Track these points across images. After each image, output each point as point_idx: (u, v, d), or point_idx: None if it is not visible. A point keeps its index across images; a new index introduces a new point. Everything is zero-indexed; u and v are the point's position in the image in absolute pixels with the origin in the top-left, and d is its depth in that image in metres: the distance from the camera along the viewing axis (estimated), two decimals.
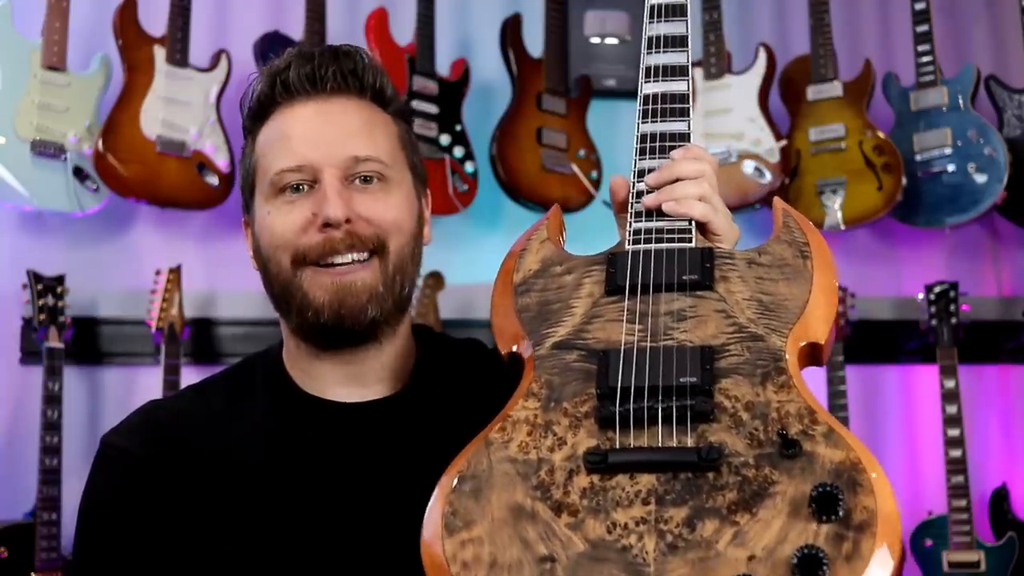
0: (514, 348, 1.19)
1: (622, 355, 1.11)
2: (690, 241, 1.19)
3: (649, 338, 1.12)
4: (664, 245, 1.19)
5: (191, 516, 1.24)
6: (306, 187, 1.26)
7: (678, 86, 1.31)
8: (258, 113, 1.31)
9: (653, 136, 1.27)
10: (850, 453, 1.00)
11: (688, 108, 1.29)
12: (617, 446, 1.05)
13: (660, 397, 1.07)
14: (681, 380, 1.07)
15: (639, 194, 1.24)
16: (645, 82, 1.32)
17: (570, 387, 1.11)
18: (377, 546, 1.24)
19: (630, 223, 1.22)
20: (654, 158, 1.26)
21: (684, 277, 1.16)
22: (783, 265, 1.17)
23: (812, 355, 1.14)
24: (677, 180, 1.22)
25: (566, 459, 1.06)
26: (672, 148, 1.25)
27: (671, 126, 1.28)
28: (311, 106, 1.28)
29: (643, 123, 1.29)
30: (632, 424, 1.06)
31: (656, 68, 1.33)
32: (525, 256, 1.25)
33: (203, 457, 1.26)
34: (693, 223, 1.21)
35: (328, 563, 1.23)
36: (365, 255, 1.26)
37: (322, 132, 1.27)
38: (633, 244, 1.20)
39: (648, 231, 1.21)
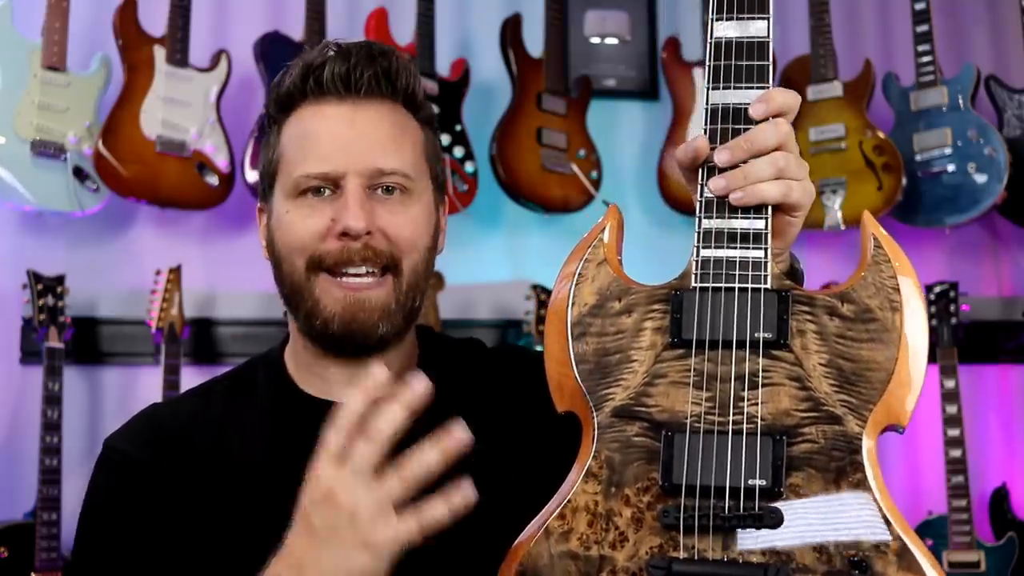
0: (572, 408, 1.12)
1: (687, 441, 1.05)
2: (764, 279, 1.08)
3: (717, 410, 1.05)
4: (736, 285, 1.08)
5: (191, 519, 1.24)
6: (328, 191, 1.25)
7: None
8: (286, 103, 1.29)
9: (728, 47, 1.11)
10: None
11: None
12: (681, 551, 1.02)
13: (727, 499, 1.02)
14: (750, 482, 1.02)
15: (710, 170, 1.10)
16: None
17: (631, 469, 1.07)
18: None
19: (697, 232, 1.11)
20: (728, 87, 1.11)
21: (757, 335, 1.06)
22: (868, 320, 1.06)
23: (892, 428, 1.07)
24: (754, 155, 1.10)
25: (628, 559, 1.03)
26: (748, 69, 1.10)
27: (749, 28, 1.11)
28: (342, 109, 1.26)
29: (717, 19, 1.12)
30: (697, 530, 1.02)
31: None
32: (581, 285, 1.13)
33: (203, 460, 1.26)
34: (769, 227, 1.09)
35: None
36: (378, 271, 1.25)
37: (350, 138, 1.25)
38: (700, 280, 1.09)
39: (718, 263, 1.09)
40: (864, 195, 3.11)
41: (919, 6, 3.19)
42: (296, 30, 3.09)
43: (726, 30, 1.12)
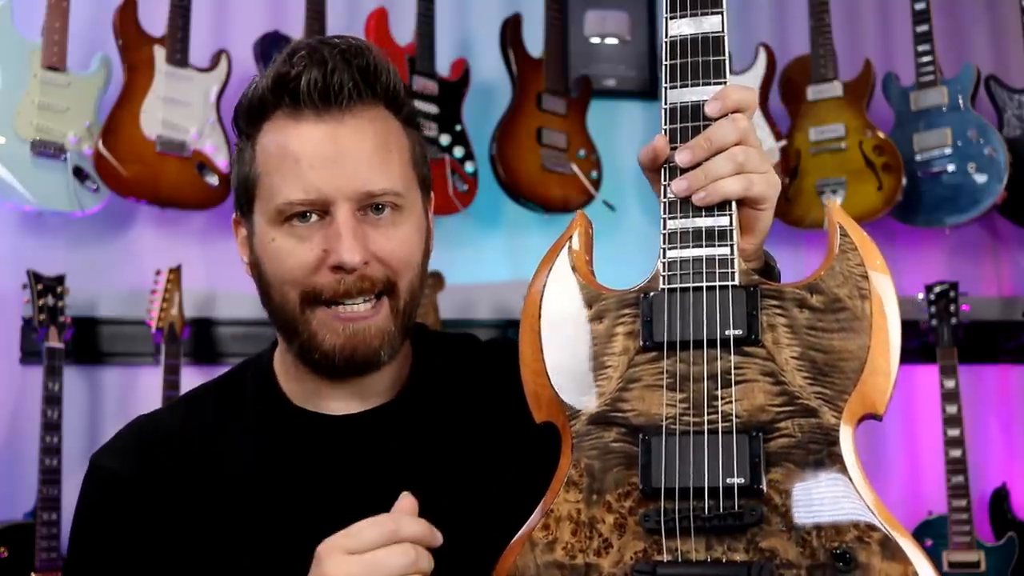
0: (549, 419, 1.12)
1: (664, 443, 1.05)
2: (732, 276, 1.08)
3: (692, 411, 1.05)
4: (704, 283, 1.08)
5: (182, 535, 1.22)
6: (315, 216, 1.19)
7: None
8: (259, 114, 1.23)
9: (683, 45, 1.11)
10: (908, 568, 0.97)
11: None
12: (664, 554, 1.02)
13: (707, 500, 1.02)
14: (728, 481, 1.02)
15: (671, 170, 1.10)
16: None
17: (611, 475, 1.06)
18: None
19: (663, 233, 1.11)
20: (686, 84, 1.10)
21: (727, 332, 1.06)
22: (838, 309, 1.05)
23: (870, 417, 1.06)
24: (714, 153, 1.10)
25: (614, 566, 1.03)
26: (705, 65, 1.10)
27: (703, 24, 1.11)
28: (322, 127, 1.19)
29: (671, 17, 1.12)
30: (679, 532, 1.03)
31: None
32: (550, 295, 1.13)
33: (193, 475, 1.24)
34: (735, 223, 1.09)
35: None
36: (374, 297, 1.22)
37: (334, 159, 1.18)
38: (668, 281, 1.09)
39: (684, 263, 1.09)
40: (864, 195, 3.11)
41: (919, 6, 3.20)
42: (296, 30, 3.09)
43: (680, 27, 1.12)
